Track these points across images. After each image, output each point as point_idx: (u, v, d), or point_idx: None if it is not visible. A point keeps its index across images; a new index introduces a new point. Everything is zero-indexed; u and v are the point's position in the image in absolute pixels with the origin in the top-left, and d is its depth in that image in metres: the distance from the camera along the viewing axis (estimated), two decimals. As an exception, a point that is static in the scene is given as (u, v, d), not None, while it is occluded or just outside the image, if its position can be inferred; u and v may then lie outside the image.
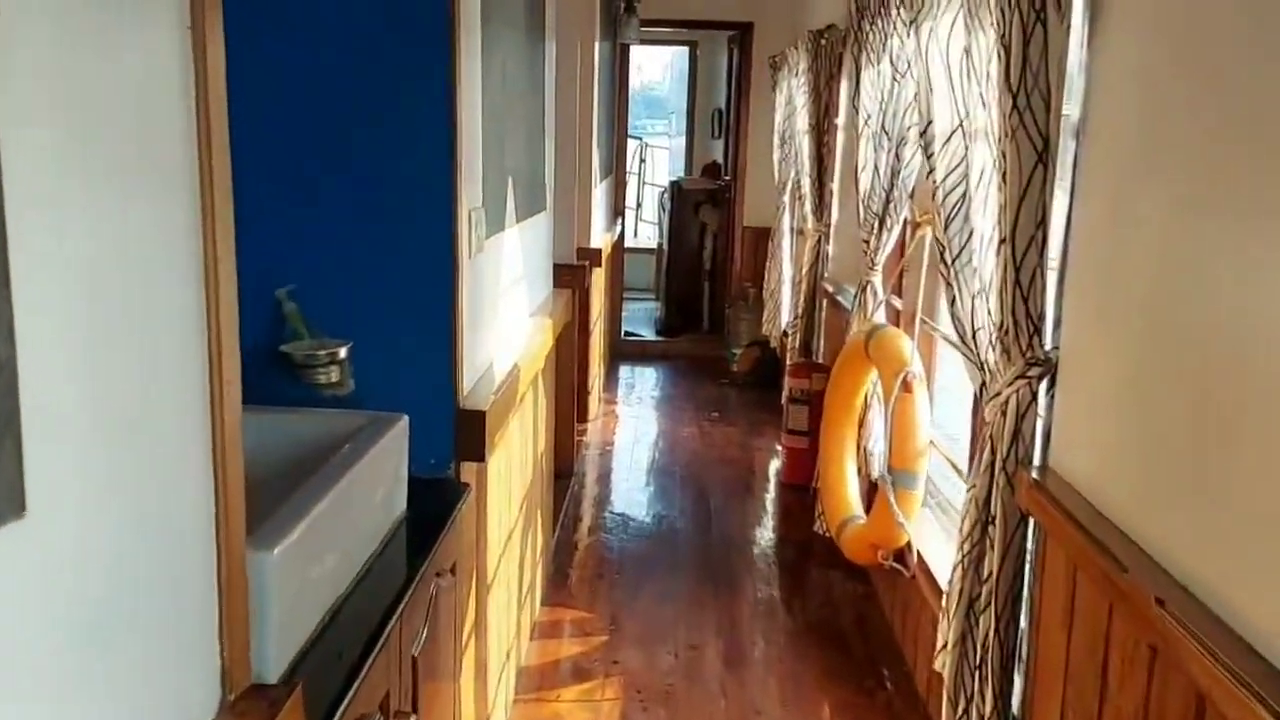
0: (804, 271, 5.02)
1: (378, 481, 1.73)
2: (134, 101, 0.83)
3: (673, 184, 8.05)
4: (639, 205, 10.72)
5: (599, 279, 5.46)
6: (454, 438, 2.01)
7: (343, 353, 1.91)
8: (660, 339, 7.69)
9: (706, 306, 7.79)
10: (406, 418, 1.86)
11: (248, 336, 2.00)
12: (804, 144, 5.00)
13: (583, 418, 5.28)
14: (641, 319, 8.19)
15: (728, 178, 7.67)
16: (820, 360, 4.84)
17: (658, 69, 12.47)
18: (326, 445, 1.79)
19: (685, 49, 9.39)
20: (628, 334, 7.58)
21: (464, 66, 1.93)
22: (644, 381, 6.81)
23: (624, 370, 6.97)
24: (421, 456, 1.96)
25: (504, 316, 2.52)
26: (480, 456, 2.04)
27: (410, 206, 1.92)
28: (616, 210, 7.08)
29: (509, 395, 2.28)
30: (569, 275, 4.18)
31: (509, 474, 2.54)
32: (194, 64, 0.90)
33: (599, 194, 5.56)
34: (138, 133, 0.84)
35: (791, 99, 5.44)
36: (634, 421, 5.82)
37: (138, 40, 0.83)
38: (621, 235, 7.34)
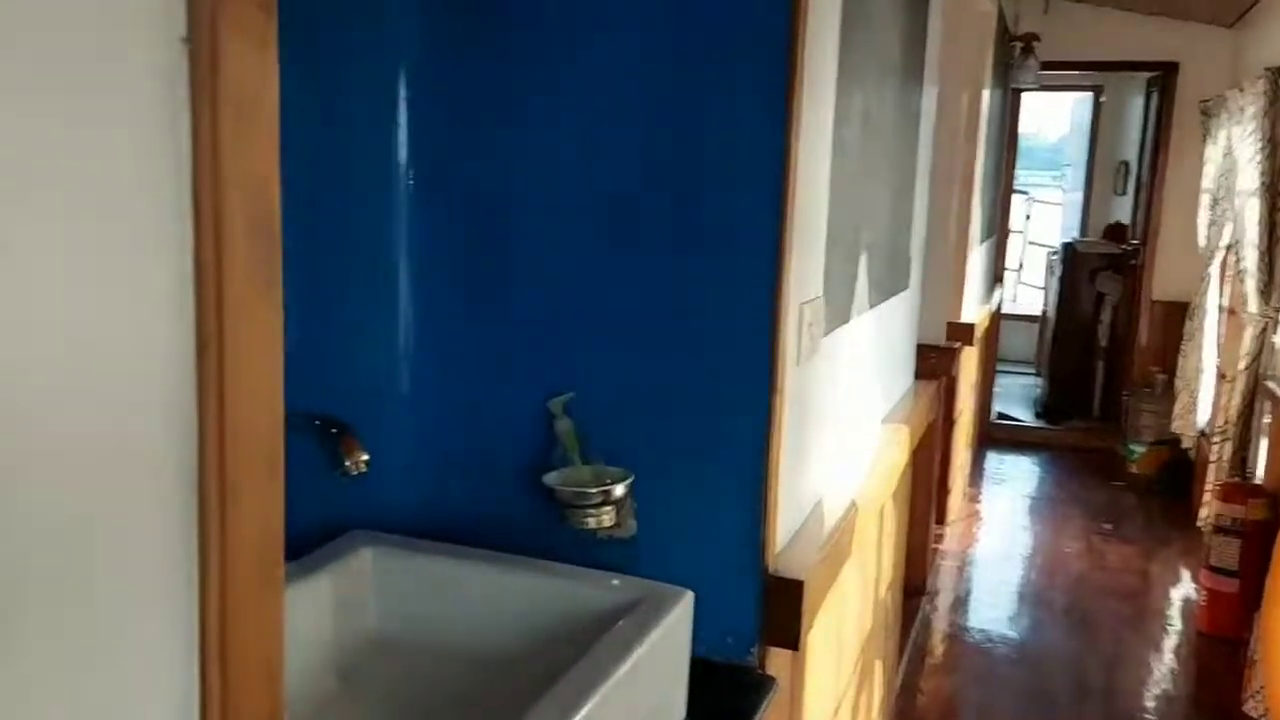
0: (1240, 365, 4.01)
1: (644, 691, 1.24)
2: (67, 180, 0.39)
3: (1065, 246, 7.06)
4: (1020, 267, 9.69)
5: (969, 357, 4.73)
6: (758, 612, 1.48)
7: (619, 490, 1.45)
8: (1039, 424, 6.71)
9: (1099, 390, 6.71)
10: (690, 595, 1.35)
11: (511, 454, 1.61)
12: (1248, 207, 4.01)
13: (941, 518, 4.55)
14: (1016, 397, 7.24)
15: (1135, 241, 6.58)
16: (1259, 482, 3.81)
17: (1030, 117, 11.32)
18: (578, 624, 1.34)
19: (1087, 94, 8.32)
20: (1000, 416, 6.69)
21: (805, 121, 1.42)
22: (1017, 475, 5.91)
23: (993, 459, 6.10)
24: (712, 631, 1.45)
25: (841, 433, 1.97)
26: (794, 643, 1.49)
27: (717, 299, 1.43)
28: (996, 276, 6.27)
29: (839, 550, 1.72)
30: (934, 359, 3.53)
31: (838, 638, 1.97)
32: (193, 112, 0.45)
33: (976, 259, 4.84)
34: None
35: (1231, 151, 4.43)
36: (1002, 527, 4.98)
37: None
38: (999, 303, 6.50)
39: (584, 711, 1.08)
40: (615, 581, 1.38)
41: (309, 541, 1.45)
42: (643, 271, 1.45)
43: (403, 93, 1.46)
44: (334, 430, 1.06)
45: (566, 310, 1.49)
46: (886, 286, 2.32)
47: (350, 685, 1.35)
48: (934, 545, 4.28)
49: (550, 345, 1.50)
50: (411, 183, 1.48)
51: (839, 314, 1.84)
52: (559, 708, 1.07)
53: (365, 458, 1.05)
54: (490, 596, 1.39)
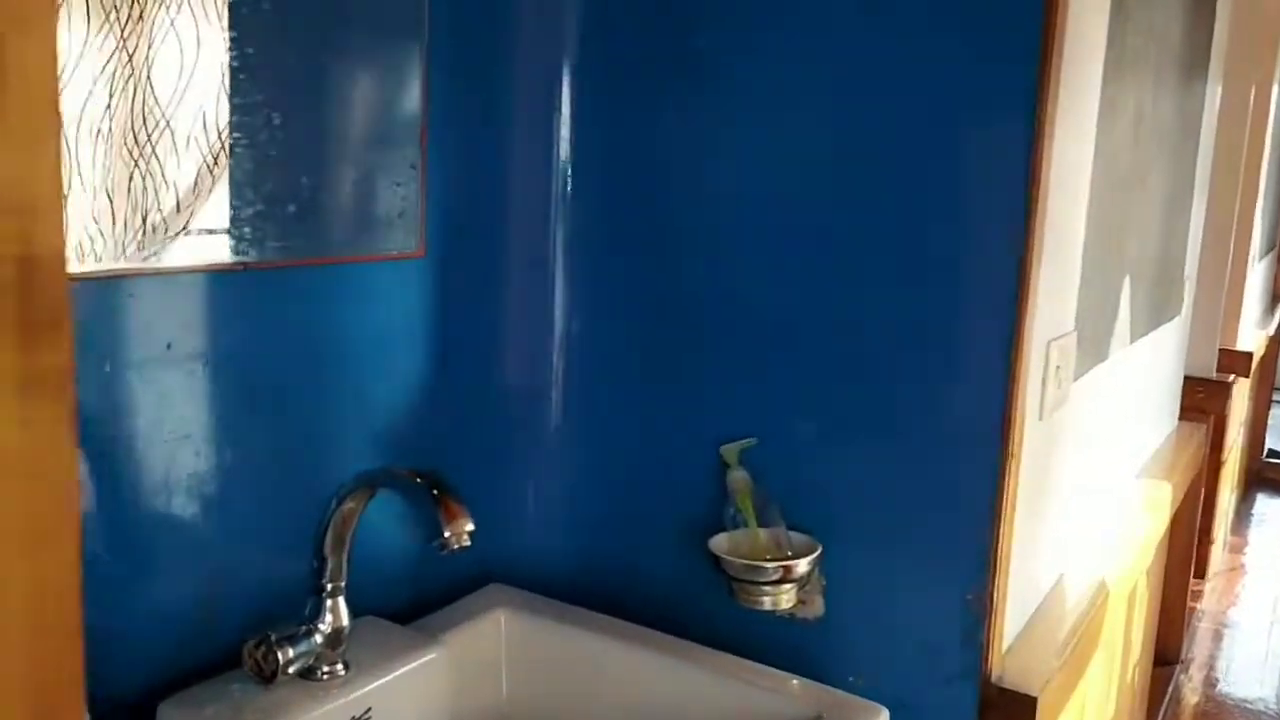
0: None
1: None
2: None
3: (1360, 263, 6.13)
4: (1301, 283, 8.58)
5: (1242, 389, 4.10)
6: (975, 730, 1.18)
7: (803, 567, 1.18)
8: (1320, 465, 5.85)
9: (1398, 430, 5.79)
10: (886, 716, 1.07)
11: (672, 507, 1.32)
12: None
13: (1201, 572, 3.96)
14: (1293, 431, 6.35)
15: None
16: None
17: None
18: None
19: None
20: (1271, 453, 5.87)
21: (1060, 118, 1.10)
22: (1292, 523, 5.15)
23: (1261, 503, 5.34)
24: (915, 748, 1.17)
25: (1090, 497, 1.61)
26: (1018, 774, 1.18)
27: (937, 334, 1.13)
28: (1275, 295, 5.49)
29: (1084, 649, 1.37)
30: (1202, 394, 3.03)
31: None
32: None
33: (1255, 278, 4.21)
34: None
35: None
36: (1270, 585, 4.31)
37: None
38: (1278, 326, 5.68)
39: None
40: (795, 683, 1.12)
41: (443, 588, 1.27)
42: (839, 299, 1.17)
43: (565, 78, 1.24)
44: (435, 492, 0.85)
45: (746, 344, 1.23)
46: (1154, 314, 1.93)
47: (469, 770, 1.15)
48: (1191, 604, 3.73)
49: (725, 383, 1.25)
50: (569, 187, 1.26)
51: (1094, 351, 1.49)
52: None
53: (469, 528, 0.83)
54: (640, 685, 1.15)
